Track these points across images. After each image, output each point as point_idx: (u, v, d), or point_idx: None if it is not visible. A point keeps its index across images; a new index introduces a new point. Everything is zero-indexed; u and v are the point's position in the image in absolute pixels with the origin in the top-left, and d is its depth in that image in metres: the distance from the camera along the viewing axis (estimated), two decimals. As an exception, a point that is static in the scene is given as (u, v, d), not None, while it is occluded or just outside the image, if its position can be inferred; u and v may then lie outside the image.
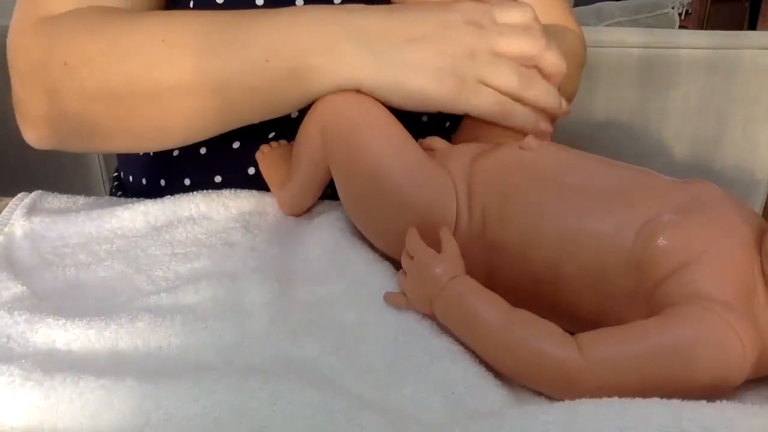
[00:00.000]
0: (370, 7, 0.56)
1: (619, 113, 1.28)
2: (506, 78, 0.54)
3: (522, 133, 0.54)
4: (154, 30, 0.55)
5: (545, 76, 0.56)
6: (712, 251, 0.41)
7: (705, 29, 2.03)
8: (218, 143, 0.63)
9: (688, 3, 2.94)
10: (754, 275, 0.41)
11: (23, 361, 0.41)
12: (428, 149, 0.54)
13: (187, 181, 0.68)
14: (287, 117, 0.63)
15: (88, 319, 0.46)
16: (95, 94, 0.55)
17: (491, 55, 0.54)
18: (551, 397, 0.41)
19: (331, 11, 0.55)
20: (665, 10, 1.62)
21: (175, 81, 0.54)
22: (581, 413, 0.36)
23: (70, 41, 0.56)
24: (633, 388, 0.38)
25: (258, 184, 0.63)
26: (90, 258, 0.55)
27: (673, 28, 1.63)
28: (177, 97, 0.55)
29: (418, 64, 0.53)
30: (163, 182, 0.69)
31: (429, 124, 0.68)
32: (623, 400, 0.37)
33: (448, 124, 0.70)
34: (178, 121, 0.56)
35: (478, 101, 0.54)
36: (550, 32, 0.58)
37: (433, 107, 0.54)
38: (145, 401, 0.38)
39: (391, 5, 0.57)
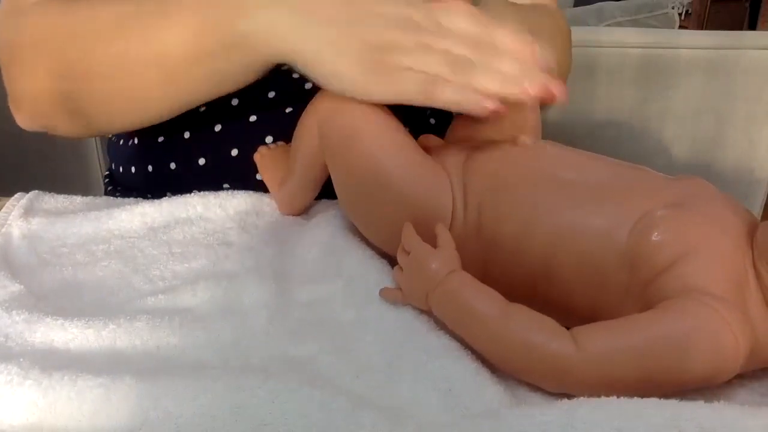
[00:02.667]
0: None
1: (619, 113, 1.28)
2: (432, 66, 0.50)
3: (512, 130, 0.54)
4: (106, 9, 0.58)
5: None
6: (705, 246, 0.42)
7: (705, 29, 2.03)
8: (200, 127, 0.66)
9: (688, 3, 2.94)
10: (746, 269, 0.41)
11: (21, 359, 0.41)
12: (424, 147, 0.54)
13: (172, 165, 0.69)
14: (280, 111, 0.65)
15: (87, 318, 0.46)
16: (58, 72, 0.59)
17: (417, 47, 0.51)
18: (547, 393, 0.41)
19: None
20: (665, 10, 1.62)
21: (119, 58, 0.57)
22: (579, 414, 0.36)
23: (37, 23, 0.60)
24: (627, 381, 0.39)
25: (241, 165, 0.64)
26: (87, 258, 0.55)
27: (673, 28, 1.63)
28: (124, 73, 0.58)
29: (338, 44, 0.52)
30: (150, 168, 0.71)
31: (437, 127, 0.68)
32: (621, 400, 0.37)
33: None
34: (130, 98, 0.59)
35: (398, 87, 0.50)
36: (524, 13, 0.58)
37: (352, 91, 0.51)
38: (143, 400, 0.38)
39: None
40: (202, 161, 0.68)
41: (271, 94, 0.66)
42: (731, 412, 0.36)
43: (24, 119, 0.65)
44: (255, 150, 0.64)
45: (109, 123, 0.65)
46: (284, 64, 0.55)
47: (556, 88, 0.49)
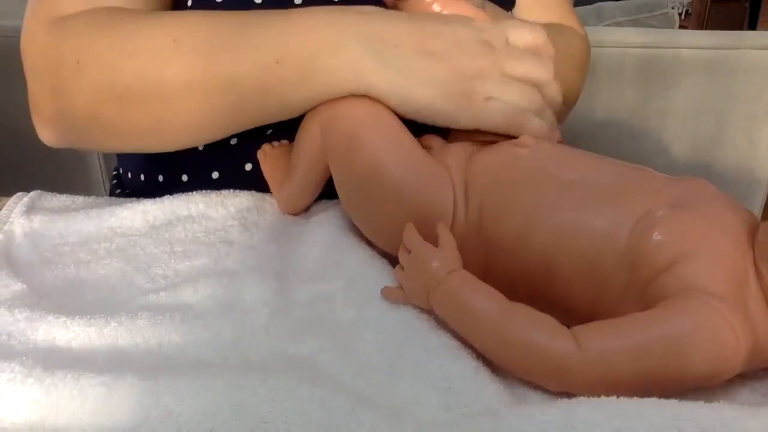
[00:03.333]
0: (385, 11, 0.56)
1: (619, 113, 1.28)
2: (513, 98, 0.54)
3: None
4: (164, 29, 0.55)
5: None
6: (706, 246, 0.42)
7: (705, 29, 2.03)
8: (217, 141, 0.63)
9: (688, 3, 2.94)
10: (747, 269, 0.41)
11: (24, 358, 0.41)
12: (426, 147, 0.55)
13: (184, 177, 0.68)
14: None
15: (89, 316, 0.46)
16: (105, 92, 0.56)
17: (500, 75, 0.54)
18: (547, 392, 0.42)
19: (344, 13, 0.55)
20: (665, 10, 1.62)
21: (184, 81, 0.54)
22: (579, 413, 0.36)
23: (80, 40, 0.57)
24: (628, 380, 0.39)
25: (255, 180, 0.63)
26: (89, 256, 0.55)
27: (673, 28, 1.63)
28: (186, 97, 0.55)
29: (427, 76, 0.53)
30: (161, 178, 0.70)
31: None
32: (621, 400, 0.37)
33: None
34: (186, 122, 0.57)
35: (486, 116, 0.53)
36: (554, 33, 0.58)
37: (441, 121, 0.54)
38: (144, 398, 0.38)
39: (406, 13, 0.57)
40: (215, 175, 0.67)
41: None
42: (731, 412, 0.36)
43: (52, 137, 0.63)
44: None
45: (135, 147, 0.63)
46: None
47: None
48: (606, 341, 0.40)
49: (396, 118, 0.53)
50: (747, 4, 3.36)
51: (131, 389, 0.39)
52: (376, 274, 0.50)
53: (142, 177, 0.72)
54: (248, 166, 0.66)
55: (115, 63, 0.55)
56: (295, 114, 0.57)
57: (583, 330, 0.40)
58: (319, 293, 0.49)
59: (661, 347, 0.39)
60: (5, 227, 0.58)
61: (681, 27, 1.72)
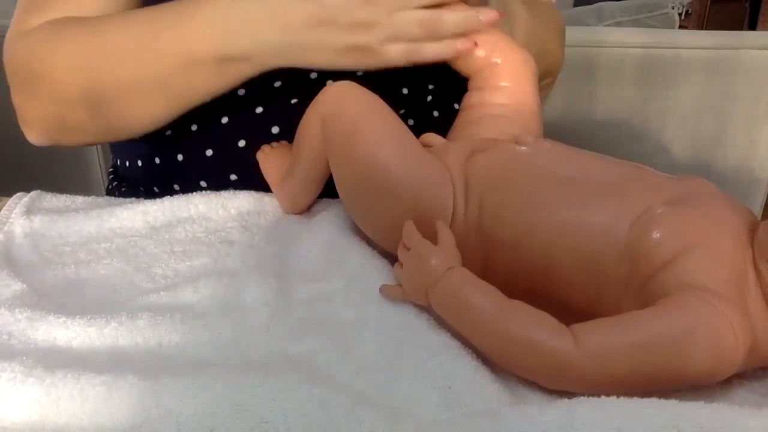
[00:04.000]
0: None
1: (619, 113, 1.28)
2: (409, 33, 0.57)
3: (514, 129, 0.55)
4: (96, 44, 0.61)
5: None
6: (705, 243, 0.42)
7: (705, 29, 2.03)
8: (207, 119, 0.67)
9: (688, 3, 2.94)
10: (746, 267, 0.42)
11: (24, 358, 0.41)
12: (426, 145, 0.55)
13: (180, 157, 0.69)
14: (286, 102, 0.67)
15: (89, 316, 0.46)
16: (63, 99, 0.62)
17: (388, 18, 0.57)
18: (547, 392, 0.42)
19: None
20: (665, 10, 1.62)
21: (122, 83, 0.61)
22: (579, 414, 0.36)
23: (33, 53, 0.63)
24: (627, 377, 0.39)
25: (248, 156, 0.65)
26: (90, 256, 0.55)
27: (673, 28, 1.63)
28: (122, 101, 0.61)
29: (318, 47, 0.57)
30: (157, 160, 0.71)
31: (440, 119, 0.69)
32: (620, 400, 0.37)
33: (430, 98, 0.71)
34: (136, 117, 0.63)
35: (388, 58, 0.57)
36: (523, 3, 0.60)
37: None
38: (145, 397, 0.38)
39: None
40: (209, 152, 0.68)
41: (277, 84, 0.66)
42: (731, 413, 0.37)
43: (36, 139, 0.67)
44: (262, 141, 0.64)
45: (115, 139, 0.69)
46: None
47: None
48: (604, 339, 0.40)
49: (396, 115, 0.53)
50: (747, 4, 3.36)
51: (131, 389, 0.39)
52: (376, 273, 0.50)
53: (140, 162, 0.73)
54: (241, 143, 0.67)
55: (65, 73, 0.62)
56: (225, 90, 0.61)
57: (581, 328, 0.40)
58: (319, 293, 0.49)
59: (659, 345, 0.39)
60: (5, 227, 0.58)
61: (681, 27, 1.72)
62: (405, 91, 0.69)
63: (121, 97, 0.61)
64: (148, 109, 0.62)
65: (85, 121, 0.63)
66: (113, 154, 0.81)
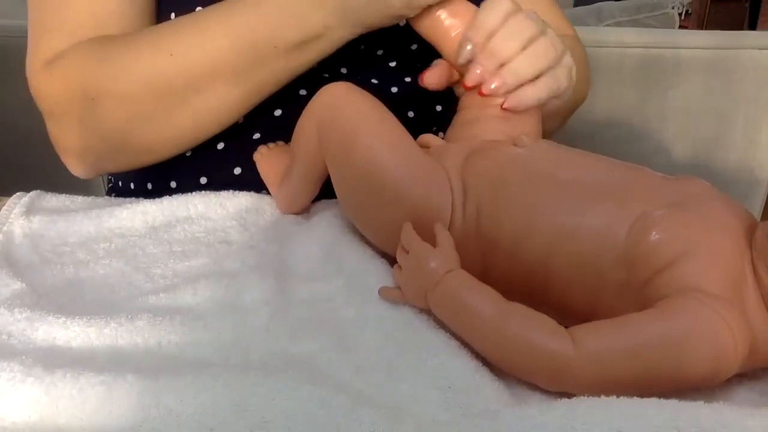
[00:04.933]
0: None
1: (619, 113, 1.28)
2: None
3: (512, 131, 0.54)
4: (156, 47, 0.59)
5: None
6: (704, 246, 0.42)
7: (705, 29, 2.03)
8: (203, 145, 0.65)
9: (688, 3, 2.94)
10: (744, 269, 0.41)
11: (24, 357, 0.41)
12: (424, 146, 0.54)
13: (173, 184, 0.69)
14: (270, 117, 0.65)
15: (88, 317, 0.46)
16: (128, 117, 0.60)
17: None
18: (547, 392, 0.42)
19: None
20: (665, 10, 1.62)
21: (192, 86, 0.59)
22: (579, 414, 0.36)
23: (84, 77, 0.60)
24: (625, 380, 0.39)
25: (244, 184, 0.64)
26: (89, 256, 0.55)
27: (673, 28, 1.63)
28: (200, 96, 0.59)
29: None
30: (150, 186, 0.71)
31: (443, 114, 0.69)
32: (620, 400, 0.37)
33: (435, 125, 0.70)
34: (208, 117, 0.61)
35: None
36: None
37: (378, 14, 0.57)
38: (144, 397, 0.38)
39: None
40: (203, 180, 0.67)
41: (277, 113, 0.66)
42: (731, 413, 0.37)
43: (83, 169, 0.66)
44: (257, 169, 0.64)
45: (178, 151, 0.65)
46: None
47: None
48: (603, 341, 0.40)
49: (393, 117, 0.53)
50: (747, 4, 3.36)
51: (131, 388, 0.39)
52: (375, 273, 0.50)
53: (132, 185, 0.73)
54: (237, 170, 0.67)
55: (126, 92, 0.60)
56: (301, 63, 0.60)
57: (580, 330, 0.40)
58: (318, 293, 0.49)
59: (658, 347, 0.39)
60: (5, 227, 0.58)
61: (681, 27, 1.72)
62: (408, 79, 0.69)
63: (196, 90, 0.60)
64: (224, 102, 0.61)
65: (149, 137, 0.62)
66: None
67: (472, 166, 0.51)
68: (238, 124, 0.64)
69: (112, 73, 0.60)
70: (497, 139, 0.53)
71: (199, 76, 0.59)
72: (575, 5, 2.26)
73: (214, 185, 0.65)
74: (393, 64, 0.70)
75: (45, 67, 0.62)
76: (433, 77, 0.58)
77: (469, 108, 0.57)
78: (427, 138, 0.57)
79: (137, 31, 0.62)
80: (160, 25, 0.62)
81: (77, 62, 0.61)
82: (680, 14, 1.68)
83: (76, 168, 0.66)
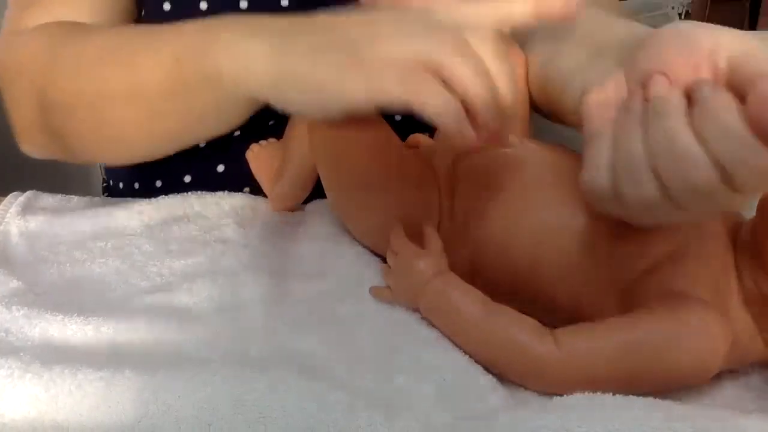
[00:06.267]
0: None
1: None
2: (421, 47, 0.42)
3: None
4: (88, 44, 0.56)
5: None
6: (687, 248, 0.42)
7: (705, 29, 2.02)
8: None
9: (688, 3, 2.94)
10: (728, 269, 0.42)
11: (22, 354, 0.41)
12: (413, 146, 0.54)
13: (158, 183, 0.69)
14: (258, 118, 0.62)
15: (86, 315, 0.46)
16: (48, 105, 0.57)
17: (396, 33, 0.43)
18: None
19: (246, 17, 0.50)
20: (665, 10, 1.63)
21: (101, 91, 0.54)
22: (574, 416, 0.36)
23: (27, 56, 0.59)
24: (608, 382, 0.39)
25: (227, 181, 0.64)
26: (85, 255, 0.55)
27: (673, 27, 1.63)
28: (107, 106, 0.54)
29: (310, 45, 0.44)
30: (137, 185, 0.71)
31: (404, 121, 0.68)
32: (616, 401, 0.38)
33: None
34: (116, 132, 0.55)
35: (381, 79, 0.42)
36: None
37: (329, 98, 0.44)
38: (143, 393, 0.39)
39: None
40: (187, 179, 0.68)
41: (272, 123, 0.65)
42: (724, 413, 0.37)
43: (26, 148, 0.64)
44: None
45: (96, 157, 0.63)
46: None
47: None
48: (585, 343, 0.40)
49: (381, 119, 0.52)
50: (747, 4, 3.36)
51: (130, 384, 0.39)
52: (371, 270, 0.50)
53: (121, 185, 0.74)
54: (220, 168, 0.67)
55: (46, 73, 0.56)
56: (223, 124, 0.53)
57: (564, 332, 0.41)
58: (314, 289, 0.50)
59: (641, 350, 0.39)
60: (1, 227, 0.59)
61: (680, 27, 1.72)
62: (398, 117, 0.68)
63: (102, 108, 0.54)
64: (124, 125, 0.55)
65: (68, 133, 0.58)
66: (104, 170, 0.82)
67: (460, 165, 0.51)
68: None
69: (46, 63, 0.57)
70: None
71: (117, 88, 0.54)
72: (575, 5, 2.26)
73: (198, 183, 0.66)
74: None
75: (9, 35, 0.62)
76: None
77: None
78: (417, 138, 0.57)
79: (90, 29, 0.59)
80: (102, 31, 0.59)
81: (30, 43, 0.59)
82: (680, 14, 1.69)
83: (23, 146, 0.63)
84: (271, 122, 0.65)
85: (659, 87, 0.37)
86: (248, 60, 0.46)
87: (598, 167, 0.39)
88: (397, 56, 0.42)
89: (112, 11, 0.65)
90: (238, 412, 0.38)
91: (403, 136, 0.54)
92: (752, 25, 3.29)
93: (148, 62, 0.52)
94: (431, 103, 0.41)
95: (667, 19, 1.65)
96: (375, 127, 0.52)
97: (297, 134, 0.55)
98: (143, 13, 0.67)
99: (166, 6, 0.64)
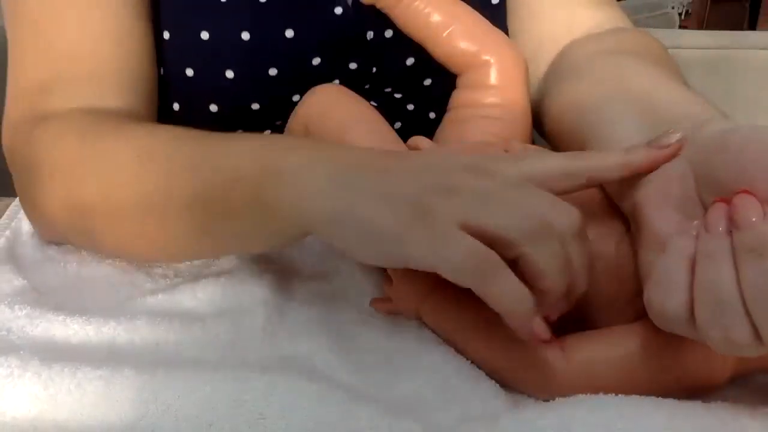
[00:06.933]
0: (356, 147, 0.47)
1: (619, 113, 1.28)
2: (501, 222, 0.37)
3: (502, 134, 0.53)
4: (130, 144, 0.51)
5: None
6: None
7: (705, 29, 2.03)
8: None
9: (688, 3, 2.94)
10: None
11: (22, 352, 0.41)
12: (414, 149, 0.54)
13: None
14: (248, 111, 0.61)
15: (88, 315, 0.46)
16: (71, 206, 0.52)
17: (485, 193, 0.38)
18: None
19: (309, 140, 0.47)
20: (665, 10, 1.62)
21: (140, 201, 0.49)
22: (577, 417, 0.36)
23: (55, 149, 0.53)
24: (612, 391, 0.38)
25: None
26: (92, 255, 0.55)
27: (673, 28, 1.63)
28: (139, 218, 0.49)
29: (378, 190, 0.39)
30: None
31: (436, 121, 0.68)
32: (618, 402, 0.37)
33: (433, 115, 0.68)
34: (146, 243, 0.51)
35: (445, 248, 0.36)
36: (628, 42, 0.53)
37: (389, 254, 0.38)
38: (142, 392, 0.39)
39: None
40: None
41: (255, 106, 0.63)
42: (727, 413, 0.37)
43: (42, 233, 0.58)
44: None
45: (121, 257, 0.56)
46: None
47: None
48: (591, 352, 0.40)
49: (382, 118, 0.52)
50: (747, 4, 3.36)
51: (129, 383, 0.39)
52: (372, 274, 0.50)
53: None
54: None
55: (82, 178, 0.51)
56: (261, 246, 0.49)
57: (568, 341, 0.41)
58: (317, 293, 0.50)
59: (645, 360, 0.39)
60: (13, 224, 0.59)
61: (681, 27, 1.73)
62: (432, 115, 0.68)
63: (132, 218, 0.49)
64: (156, 238, 0.50)
65: (84, 238, 0.54)
66: None
67: None
68: (217, 123, 0.60)
69: (78, 158, 0.52)
70: (487, 141, 0.53)
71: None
72: (575, 5, 2.26)
73: None
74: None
75: (33, 121, 0.54)
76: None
77: (459, 107, 0.56)
78: (417, 140, 0.56)
79: (128, 126, 0.54)
80: (150, 128, 0.54)
81: (60, 134, 0.53)
82: (680, 14, 1.69)
83: (40, 233, 0.58)
84: (278, 122, 0.65)
85: (751, 213, 0.33)
86: (306, 191, 0.40)
87: (669, 291, 0.35)
88: (471, 226, 0.37)
89: (137, 85, 0.58)
90: (237, 411, 0.38)
91: (404, 138, 0.54)
92: (752, 25, 3.29)
93: (200, 178, 0.46)
94: (502, 301, 0.37)
95: (667, 19, 1.65)
96: (376, 127, 0.51)
97: (293, 134, 0.54)
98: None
99: (166, 35, 0.60)
